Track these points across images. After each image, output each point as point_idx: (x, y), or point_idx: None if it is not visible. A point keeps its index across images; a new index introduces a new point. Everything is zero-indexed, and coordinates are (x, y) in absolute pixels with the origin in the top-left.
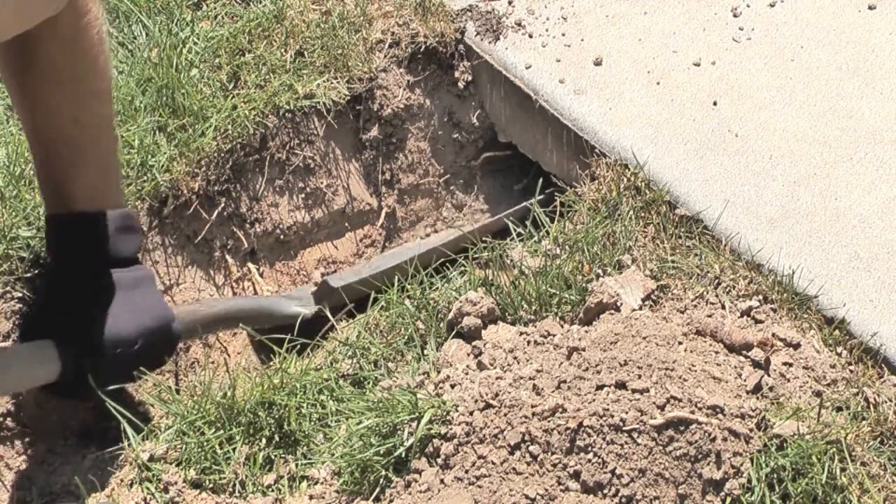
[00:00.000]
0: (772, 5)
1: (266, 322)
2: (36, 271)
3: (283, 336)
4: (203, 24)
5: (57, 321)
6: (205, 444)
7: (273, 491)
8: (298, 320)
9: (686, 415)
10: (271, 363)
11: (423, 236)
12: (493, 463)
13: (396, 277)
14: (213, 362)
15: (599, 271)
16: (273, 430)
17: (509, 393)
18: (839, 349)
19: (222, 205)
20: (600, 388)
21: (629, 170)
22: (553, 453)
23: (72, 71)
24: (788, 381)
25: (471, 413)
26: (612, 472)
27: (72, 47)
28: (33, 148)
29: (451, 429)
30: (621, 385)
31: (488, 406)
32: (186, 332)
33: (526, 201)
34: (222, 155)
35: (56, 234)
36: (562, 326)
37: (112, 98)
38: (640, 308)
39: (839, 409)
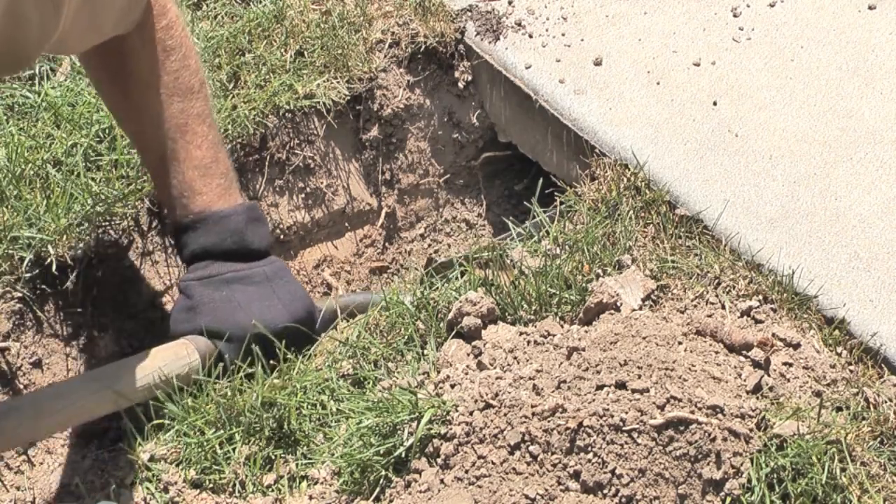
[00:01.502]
0: (772, 5)
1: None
2: (36, 271)
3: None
4: (203, 24)
5: (203, 317)
6: (205, 444)
7: (273, 491)
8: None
9: (686, 415)
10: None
11: (422, 234)
12: (493, 463)
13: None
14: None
15: (599, 271)
16: (273, 430)
17: (509, 393)
18: (839, 349)
19: None
20: (600, 388)
21: (629, 170)
22: (553, 453)
23: (167, 73)
24: (788, 381)
25: (471, 413)
26: (612, 472)
27: (161, 50)
28: (146, 157)
29: (451, 429)
30: (621, 385)
31: (488, 406)
32: (323, 323)
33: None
34: None
35: (190, 235)
36: (562, 326)
37: (209, 92)
38: (640, 308)
39: (839, 409)
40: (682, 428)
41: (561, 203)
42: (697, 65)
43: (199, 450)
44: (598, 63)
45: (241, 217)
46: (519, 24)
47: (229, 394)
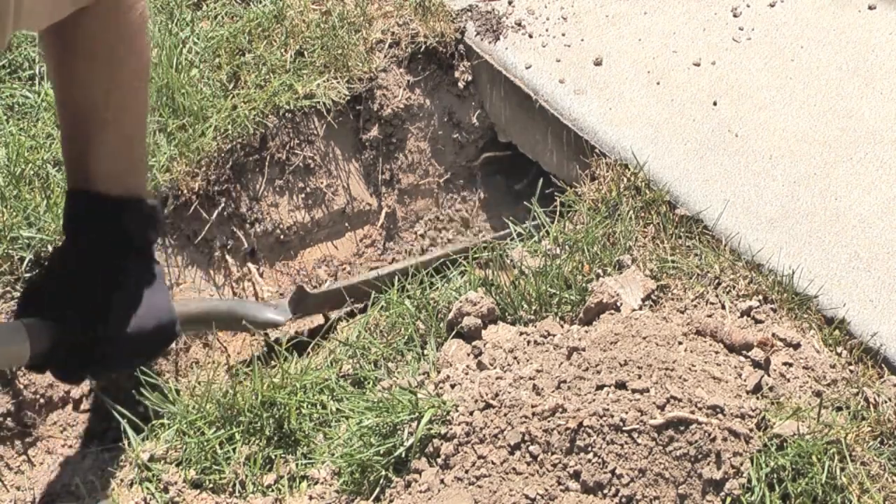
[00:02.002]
0: (772, 5)
1: (238, 327)
2: (36, 272)
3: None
4: (203, 24)
5: (60, 300)
6: (205, 444)
7: (273, 491)
8: (272, 328)
9: (686, 415)
10: (271, 363)
11: (422, 234)
12: (493, 463)
13: (374, 288)
14: (213, 362)
15: (599, 271)
16: (273, 430)
17: (509, 393)
18: (839, 349)
19: (222, 205)
20: (600, 388)
21: (629, 170)
22: (553, 453)
23: (110, 48)
24: (788, 381)
25: (471, 413)
26: (612, 472)
27: (113, 24)
28: (61, 121)
29: (451, 429)
30: (621, 385)
31: (488, 406)
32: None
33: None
34: (222, 155)
35: (76, 210)
36: (562, 326)
37: (148, 82)
38: (640, 308)
39: (839, 409)
40: (682, 428)
41: (561, 203)
42: (697, 65)
43: (199, 450)
44: (598, 63)
45: (138, 212)
46: (519, 24)
47: (230, 393)
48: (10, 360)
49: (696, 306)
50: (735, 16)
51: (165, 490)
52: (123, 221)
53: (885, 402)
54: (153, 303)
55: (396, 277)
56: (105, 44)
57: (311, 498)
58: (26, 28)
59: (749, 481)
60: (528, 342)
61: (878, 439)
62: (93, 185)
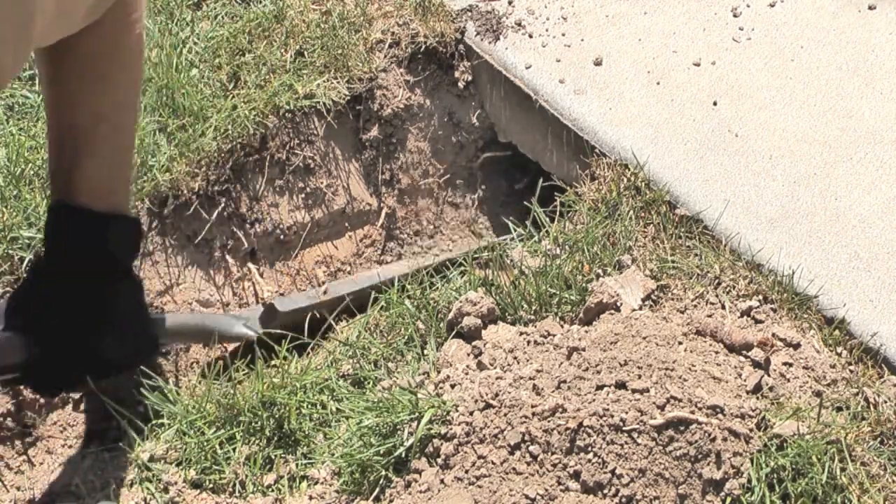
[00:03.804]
0: (772, 5)
1: (208, 340)
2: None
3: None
4: (203, 24)
5: (42, 316)
6: (205, 444)
7: (273, 491)
8: (242, 341)
9: (686, 415)
10: (271, 363)
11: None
12: (493, 463)
13: (348, 304)
14: (213, 362)
15: (599, 271)
16: (273, 430)
17: (509, 393)
18: (839, 349)
19: (222, 205)
20: (600, 388)
21: (629, 170)
22: (553, 453)
23: (105, 65)
24: (788, 381)
25: (471, 413)
26: (612, 472)
27: (112, 43)
28: (50, 134)
29: (451, 429)
30: (621, 385)
31: (488, 406)
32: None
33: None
34: (222, 155)
35: (58, 223)
36: (562, 326)
37: (139, 98)
38: (640, 308)
39: (839, 409)
40: (682, 428)
41: (561, 203)
42: (697, 65)
43: (199, 450)
44: (598, 63)
45: (120, 229)
46: (519, 24)
47: (230, 393)
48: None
49: (696, 306)
50: (735, 16)
51: (165, 490)
52: (107, 239)
53: (885, 402)
54: (134, 319)
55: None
56: (101, 64)
57: (311, 498)
58: (37, 45)
59: (749, 481)
60: (528, 342)
61: (878, 439)
62: (77, 200)
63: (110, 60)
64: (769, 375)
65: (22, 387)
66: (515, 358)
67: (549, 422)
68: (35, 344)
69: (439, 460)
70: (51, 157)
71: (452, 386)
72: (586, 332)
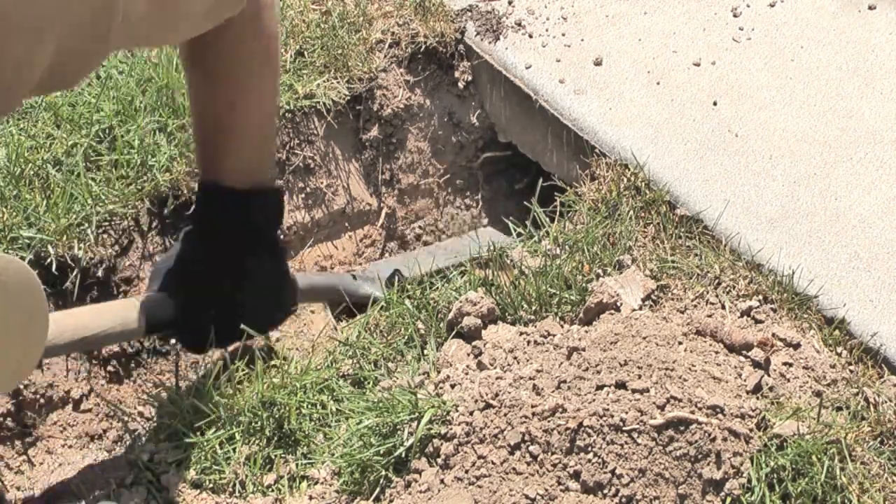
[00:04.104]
0: (772, 5)
1: (336, 298)
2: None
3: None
4: None
5: (185, 277)
6: (205, 444)
7: (273, 491)
8: (370, 300)
9: (686, 415)
10: (271, 363)
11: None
12: (493, 463)
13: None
14: (213, 361)
15: (599, 271)
16: (273, 430)
17: (509, 393)
18: (839, 349)
19: None
20: (600, 388)
21: (629, 170)
22: (553, 453)
23: (243, 59)
24: (788, 381)
25: (471, 413)
26: (612, 472)
27: (250, 33)
28: (195, 122)
29: (451, 429)
30: (621, 385)
31: (488, 406)
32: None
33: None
34: None
35: (206, 200)
36: (562, 326)
37: (279, 75)
38: (640, 308)
39: (839, 409)
40: (682, 428)
41: (561, 203)
42: (697, 65)
43: (199, 450)
44: (598, 63)
45: (265, 202)
46: (519, 24)
47: (230, 392)
48: (123, 334)
49: (696, 306)
50: (735, 16)
51: (165, 490)
52: (250, 212)
53: (885, 402)
54: (273, 284)
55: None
56: (241, 54)
57: (311, 498)
58: (143, 45)
59: (749, 481)
60: (528, 342)
61: (878, 439)
62: (224, 182)
63: (251, 55)
64: (769, 375)
65: (172, 342)
66: (515, 358)
67: (549, 422)
68: (185, 304)
69: (439, 460)
70: (196, 143)
71: (452, 386)
72: (586, 332)
